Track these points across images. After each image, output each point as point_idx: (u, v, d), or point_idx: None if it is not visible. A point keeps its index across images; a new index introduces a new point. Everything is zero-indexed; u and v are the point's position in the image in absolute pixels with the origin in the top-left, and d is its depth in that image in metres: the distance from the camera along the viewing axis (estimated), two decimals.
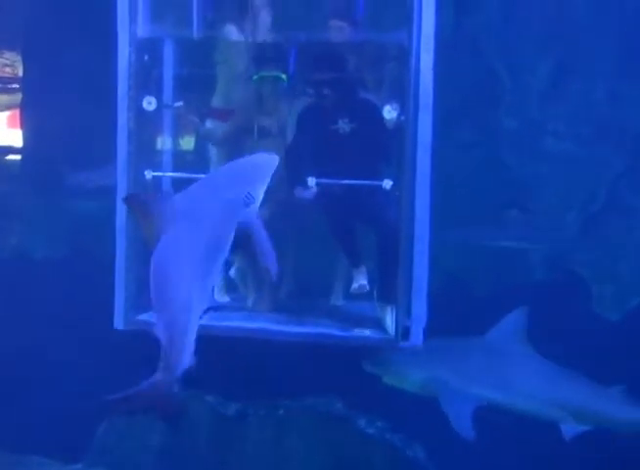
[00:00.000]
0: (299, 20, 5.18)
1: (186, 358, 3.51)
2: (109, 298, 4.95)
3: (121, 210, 4.83)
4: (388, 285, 4.94)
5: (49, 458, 6.40)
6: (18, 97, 7.45)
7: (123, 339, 5.04)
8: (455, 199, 5.91)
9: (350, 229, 5.19)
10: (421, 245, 4.79)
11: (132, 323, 4.91)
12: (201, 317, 3.65)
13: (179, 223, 3.58)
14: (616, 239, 6.44)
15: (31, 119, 7.19)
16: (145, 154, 4.96)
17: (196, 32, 5.20)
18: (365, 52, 5.15)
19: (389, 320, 4.97)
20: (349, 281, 5.28)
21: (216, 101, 5.38)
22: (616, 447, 5.56)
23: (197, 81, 5.42)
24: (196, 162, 5.68)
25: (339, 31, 5.06)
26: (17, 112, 7.48)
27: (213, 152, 5.44)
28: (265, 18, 5.14)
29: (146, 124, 4.93)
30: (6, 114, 8.39)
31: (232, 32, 5.26)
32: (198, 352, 3.72)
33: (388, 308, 5.01)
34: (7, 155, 7.82)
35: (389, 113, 4.87)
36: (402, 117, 4.80)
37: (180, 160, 5.52)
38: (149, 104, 4.86)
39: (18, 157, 7.54)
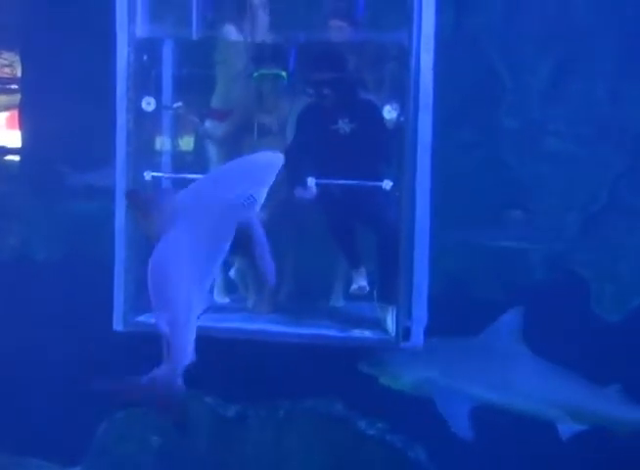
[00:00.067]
0: (299, 19, 5.16)
1: (187, 354, 3.48)
2: (108, 299, 4.93)
3: (121, 211, 4.81)
4: (389, 286, 4.93)
5: (48, 461, 6.39)
6: (16, 98, 7.43)
7: (123, 340, 5.02)
8: (455, 199, 5.89)
9: (350, 230, 5.17)
10: (421, 245, 4.78)
11: (131, 325, 4.89)
12: (199, 317, 3.65)
13: (180, 221, 3.57)
14: (616, 239, 6.43)
15: (30, 120, 7.17)
16: (144, 154, 4.94)
17: (195, 32, 5.17)
18: (365, 52, 5.13)
19: (390, 321, 4.95)
20: (349, 282, 5.26)
21: (215, 101, 5.36)
22: (614, 447, 5.55)
23: (196, 81, 5.40)
24: (195, 162, 5.66)
25: (339, 31, 5.04)
26: (15, 112, 7.45)
27: (213, 152, 5.41)
28: (263, 18, 5.11)
29: (145, 125, 4.91)
30: (5, 114, 8.36)
31: (231, 32, 5.23)
32: (198, 353, 3.72)
33: (389, 309, 4.99)
34: (6, 156, 7.80)
35: (389, 113, 4.85)
36: (402, 118, 4.78)
37: (179, 160, 5.50)
38: (148, 104, 4.84)
39: (16, 157, 7.52)
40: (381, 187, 4.82)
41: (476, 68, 6.37)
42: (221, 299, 5.51)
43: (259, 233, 3.73)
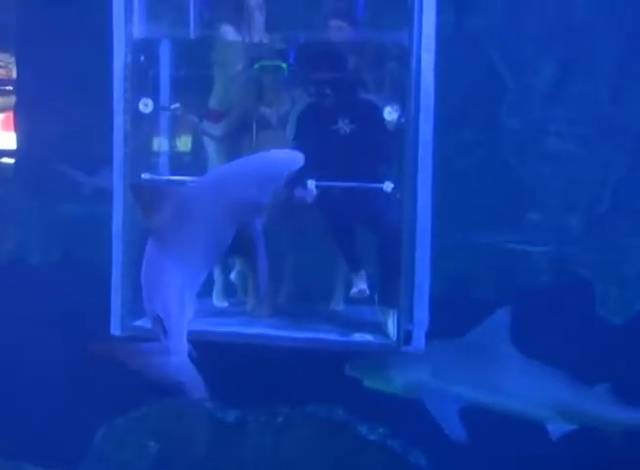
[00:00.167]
0: (299, 19, 5.12)
1: (181, 337, 3.54)
2: (104, 303, 4.89)
3: (118, 214, 4.77)
4: (390, 289, 4.88)
5: (45, 467, 6.35)
6: (12, 99, 7.39)
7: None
8: (457, 201, 5.86)
9: (350, 233, 5.13)
10: (422, 247, 4.73)
11: (129, 329, 4.84)
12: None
13: (182, 215, 3.57)
14: (620, 241, 6.41)
15: (26, 122, 7.14)
16: (141, 156, 4.89)
17: (192, 33, 5.15)
18: (365, 52, 5.10)
19: (391, 324, 4.91)
20: (350, 285, 5.22)
21: (213, 102, 5.31)
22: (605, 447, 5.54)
23: (194, 82, 5.36)
24: (193, 163, 5.62)
25: (339, 31, 5.00)
26: (11, 114, 7.41)
27: (212, 151, 5.36)
28: (259, 18, 5.08)
29: (142, 126, 4.86)
30: (0, 116, 8.33)
31: (229, 33, 5.19)
32: (197, 357, 3.69)
33: (390, 312, 4.94)
34: (1, 158, 7.76)
35: (390, 114, 4.80)
36: (403, 119, 4.73)
37: (177, 161, 5.46)
38: (145, 106, 4.80)
39: (12, 160, 7.48)
40: (381, 189, 4.77)
41: (476, 68, 6.37)
42: (220, 303, 5.46)
43: (258, 237, 3.71)
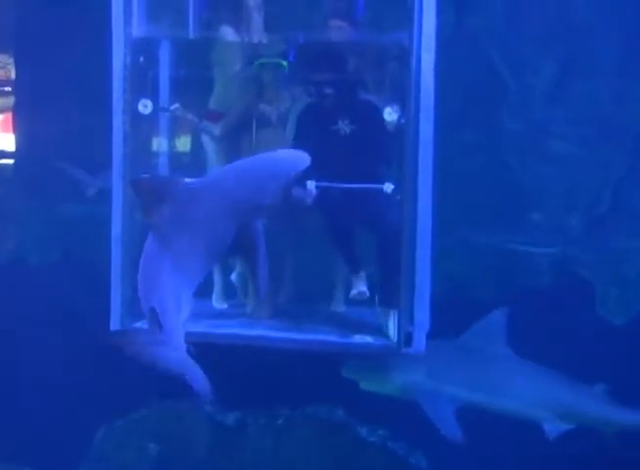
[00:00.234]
0: (299, 19, 5.11)
1: (177, 331, 3.55)
2: (104, 303, 4.87)
3: (117, 214, 4.75)
4: (390, 290, 4.86)
5: (44, 469, 6.32)
6: (10, 100, 7.37)
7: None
8: (457, 202, 5.84)
9: (349, 234, 5.11)
10: (423, 249, 4.71)
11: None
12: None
13: (183, 212, 3.57)
14: (621, 241, 6.39)
15: (24, 123, 7.12)
16: (141, 156, 4.87)
17: (192, 33, 5.14)
18: (365, 52, 5.08)
19: (392, 326, 4.89)
20: (350, 287, 5.19)
21: (213, 102, 5.30)
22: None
23: (193, 82, 5.35)
24: (192, 164, 5.61)
25: (339, 31, 4.99)
26: (10, 115, 7.40)
27: (211, 151, 5.35)
28: (258, 19, 5.06)
29: (141, 126, 4.85)
30: None
31: (228, 33, 5.18)
32: (196, 359, 3.68)
33: (391, 314, 4.92)
34: (0, 159, 7.74)
35: (390, 115, 4.78)
36: (403, 120, 4.71)
37: (176, 162, 5.45)
38: (144, 107, 4.78)
39: (11, 160, 7.47)
40: (381, 190, 4.76)
41: (477, 68, 6.35)
42: (220, 304, 5.44)
43: (259, 238, 3.70)
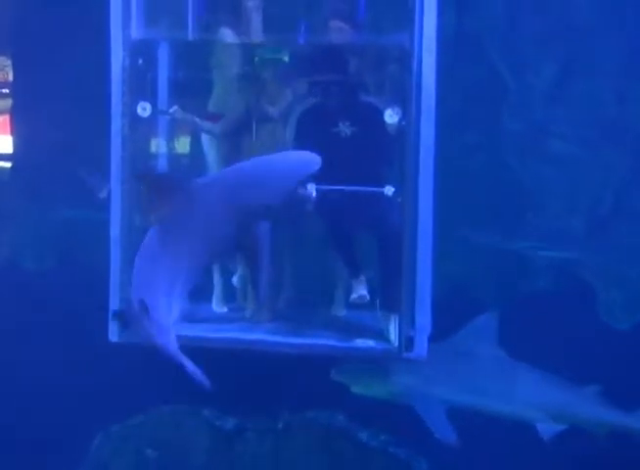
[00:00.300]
0: (299, 20, 5.09)
1: (169, 331, 3.57)
2: (101, 309, 4.83)
3: (116, 218, 4.73)
4: (391, 294, 4.84)
5: None
6: (8, 102, 7.34)
7: (118, 351, 4.92)
8: (458, 204, 5.82)
9: (350, 238, 5.09)
10: (424, 252, 4.69)
11: (127, 335, 4.76)
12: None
13: (186, 210, 3.57)
14: (624, 244, 6.38)
15: (22, 126, 7.09)
16: (140, 159, 4.84)
17: (191, 35, 5.13)
18: (366, 54, 5.07)
19: (393, 330, 4.86)
20: (350, 290, 5.16)
21: (213, 105, 5.27)
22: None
23: (192, 85, 5.33)
24: (191, 165, 5.58)
25: (339, 33, 4.97)
26: (7, 118, 7.36)
27: (212, 153, 5.32)
28: (257, 20, 5.05)
29: (140, 129, 4.82)
30: None
31: (227, 35, 5.16)
32: (194, 364, 3.66)
33: (392, 318, 4.90)
34: None
35: (391, 117, 4.76)
36: (404, 122, 4.69)
37: (176, 165, 5.43)
38: (143, 110, 4.76)
39: (7, 164, 7.43)
40: (382, 192, 4.73)
41: (478, 70, 6.34)
42: (220, 308, 5.40)
43: (262, 240, 3.68)
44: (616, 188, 6.46)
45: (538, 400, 5.49)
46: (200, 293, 5.09)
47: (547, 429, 5.40)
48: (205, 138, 5.31)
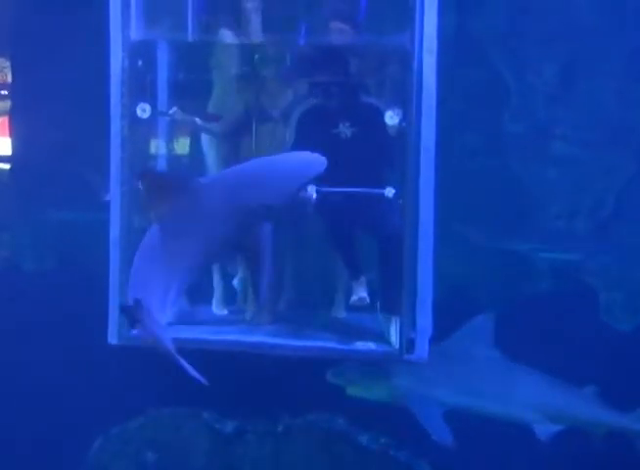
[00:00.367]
0: (299, 21, 5.08)
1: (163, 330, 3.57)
2: (101, 311, 4.83)
3: (115, 220, 4.72)
4: (392, 296, 4.81)
5: None
6: (6, 104, 7.33)
7: (117, 353, 4.90)
8: (459, 205, 5.81)
9: (350, 239, 5.07)
10: (425, 254, 4.67)
11: (126, 338, 4.76)
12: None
13: (187, 210, 3.59)
14: (625, 245, 6.37)
15: (21, 128, 7.08)
16: (139, 161, 4.83)
17: (191, 36, 5.13)
18: (367, 54, 5.05)
19: (394, 332, 4.84)
20: (350, 292, 5.15)
21: (212, 106, 5.26)
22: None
23: (192, 86, 5.32)
24: (191, 166, 5.57)
25: (339, 33, 4.95)
26: (5, 119, 7.35)
27: (212, 154, 5.30)
28: (256, 22, 5.04)
29: (140, 130, 4.81)
30: None
31: (227, 36, 5.15)
32: (194, 366, 3.65)
33: (392, 320, 4.88)
34: None
35: (392, 118, 4.74)
36: (404, 124, 4.68)
37: (175, 166, 5.41)
38: (143, 111, 4.75)
39: (6, 166, 7.42)
40: (383, 194, 4.71)
41: (479, 71, 6.33)
42: (220, 310, 5.39)
43: (264, 241, 3.67)
44: (617, 190, 6.46)
45: (536, 402, 5.48)
46: (200, 295, 5.08)
47: (545, 430, 5.39)
48: (204, 139, 5.30)
